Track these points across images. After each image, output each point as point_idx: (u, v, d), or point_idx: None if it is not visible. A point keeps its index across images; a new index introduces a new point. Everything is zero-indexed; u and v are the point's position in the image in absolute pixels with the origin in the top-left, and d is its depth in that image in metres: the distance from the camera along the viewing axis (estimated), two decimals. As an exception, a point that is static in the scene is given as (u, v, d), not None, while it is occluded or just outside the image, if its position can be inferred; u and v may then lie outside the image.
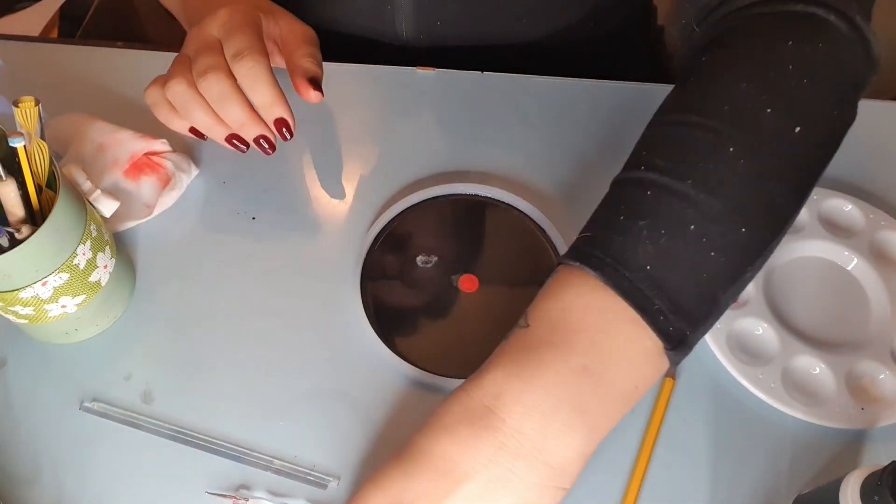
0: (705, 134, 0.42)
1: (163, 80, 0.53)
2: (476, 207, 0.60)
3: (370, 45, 0.68)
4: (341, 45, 0.65)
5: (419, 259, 0.57)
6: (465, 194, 0.60)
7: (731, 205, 0.40)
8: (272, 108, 0.51)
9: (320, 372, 0.53)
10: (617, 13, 0.72)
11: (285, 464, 0.50)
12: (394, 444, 0.51)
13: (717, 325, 0.53)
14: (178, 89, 0.51)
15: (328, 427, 0.51)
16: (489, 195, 0.60)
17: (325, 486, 0.49)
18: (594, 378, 0.39)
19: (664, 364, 0.41)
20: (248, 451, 0.50)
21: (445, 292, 0.56)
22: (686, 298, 0.40)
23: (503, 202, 0.60)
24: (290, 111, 0.52)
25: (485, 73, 0.67)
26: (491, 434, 0.39)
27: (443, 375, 0.52)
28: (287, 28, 0.58)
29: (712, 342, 0.53)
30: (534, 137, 0.64)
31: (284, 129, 0.52)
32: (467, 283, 0.56)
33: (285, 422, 0.51)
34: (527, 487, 0.39)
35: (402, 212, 0.59)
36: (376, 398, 0.52)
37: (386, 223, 0.58)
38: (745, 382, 0.52)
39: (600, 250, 0.40)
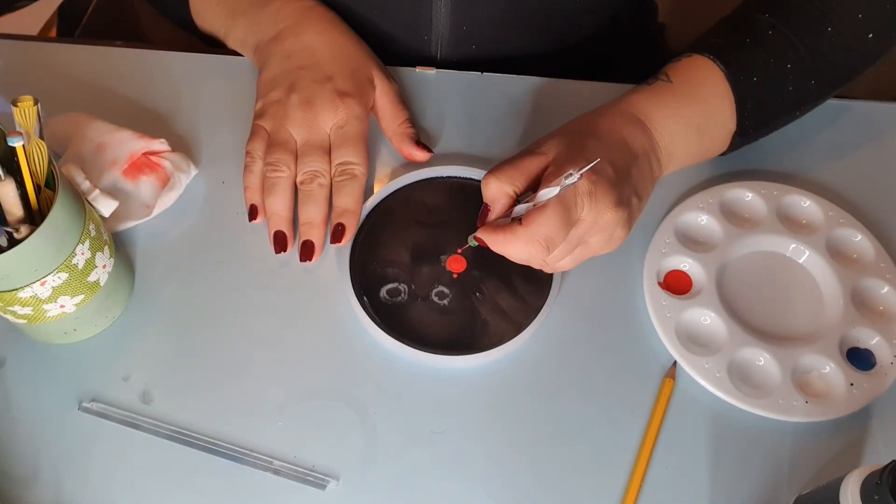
0: (818, 13, 0.57)
1: (266, 142, 0.58)
2: (466, 190, 0.60)
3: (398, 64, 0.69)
4: None
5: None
6: (458, 177, 0.61)
7: (816, 62, 0.57)
8: (345, 215, 0.57)
9: (320, 372, 0.53)
10: (622, 12, 0.73)
11: (284, 464, 0.50)
12: (394, 443, 0.51)
13: (667, 314, 0.54)
14: (278, 176, 0.57)
15: (327, 427, 0.51)
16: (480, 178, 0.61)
17: (324, 487, 0.49)
18: (701, 133, 0.57)
19: (727, 144, 0.58)
20: (248, 452, 0.50)
21: (434, 273, 0.56)
22: (763, 110, 0.57)
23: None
24: (356, 226, 0.57)
25: (484, 73, 0.67)
26: (647, 134, 0.55)
27: (439, 354, 0.53)
28: (381, 91, 0.61)
29: (663, 333, 0.54)
30: (533, 137, 0.64)
31: (340, 236, 0.57)
32: (455, 264, 0.56)
33: (284, 422, 0.51)
34: (651, 177, 0.55)
35: (391, 194, 0.60)
36: (376, 398, 0.52)
37: (373, 206, 0.59)
38: (690, 371, 0.52)
39: (729, 54, 0.56)
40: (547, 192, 0.47)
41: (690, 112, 0.56)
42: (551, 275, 0.56)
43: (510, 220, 0.50)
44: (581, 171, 0.46)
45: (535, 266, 0.51)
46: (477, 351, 0.53)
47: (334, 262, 0.58)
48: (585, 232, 0.50)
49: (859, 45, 0.58)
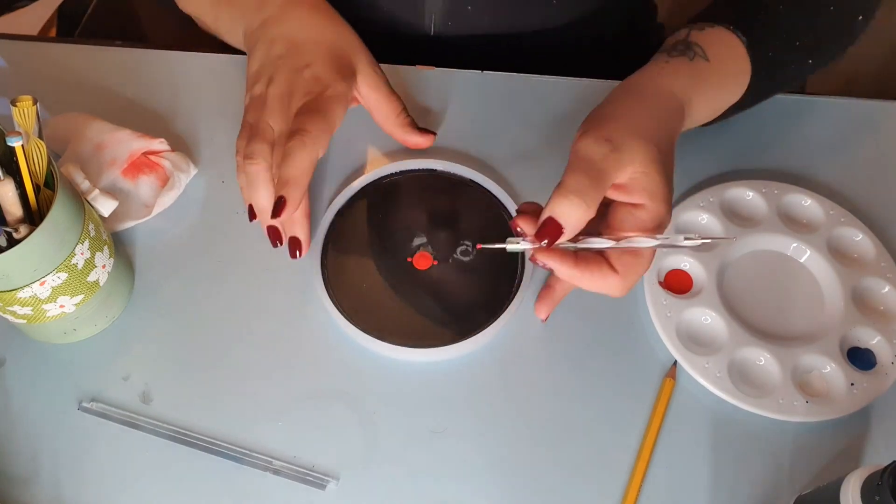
0: None
1: (248, 133, 0.55)
2: (460, 187, 0.61)
3: (392, 35, 0.67)
4: (361, 34, 0.64)
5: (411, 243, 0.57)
6: (445, 172, 0.61)
7: (817, 41, 0.57)
8: (287, 185, 0.52)
9: (319, 372, 0.53)
10: (625, 7, 0.73)
11: (284, 464, 0.50)
12: (393, 443, 0.51)
13: (668, 314, 0.54)
14: (256, 169, 0.53)
15: (327, 427, 0.51)
16: (464, 175, 0.61)
17: (324, 487, 0.49)
18: (715, 111, 0.56)
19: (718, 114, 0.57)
20: (247, 452, 0.50)
21: (403, 271, 0.57)
22: (766, 87, 0.57)
23: (481, 185, 0.61)
24: (299, 199, 0.52)
25: (485, 72, 0.67)
26: (682, 122, 0.52)
27: (425, 347, 0.53)
28: (371, 85, 0.59)
29: (663, 333, 0.54)
30: (533, 137, 0.64)
31: (280, 209, 0.52)
32: (423, 261, 0.57)
33: (284, 422, 0.51)
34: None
35: (362, 189, 0.60)
36: (375, 398, 0.52)
37: (344, 201, 0.60)
38: (690, 371, 0.52)
39: (750, 27, 0.55)
40: (646, 241, 0.44)
41: (720, 95, 0.56)
42: (522, 267, 0.56)
43: (575, 247, 0.46)
44: (705, 241, 0.44)
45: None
46: (462, 337, 0.53)
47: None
48: None
49: (850, 26, 0.58)
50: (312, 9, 0.60)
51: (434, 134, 0.61)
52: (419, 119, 0.65)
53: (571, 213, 0.44)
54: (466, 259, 0.57)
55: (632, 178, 0.46)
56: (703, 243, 0.43)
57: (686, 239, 0.43)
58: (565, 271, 0.45)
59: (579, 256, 0.46)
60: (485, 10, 0.67)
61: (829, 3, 0.57)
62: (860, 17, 0.58)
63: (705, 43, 0.54)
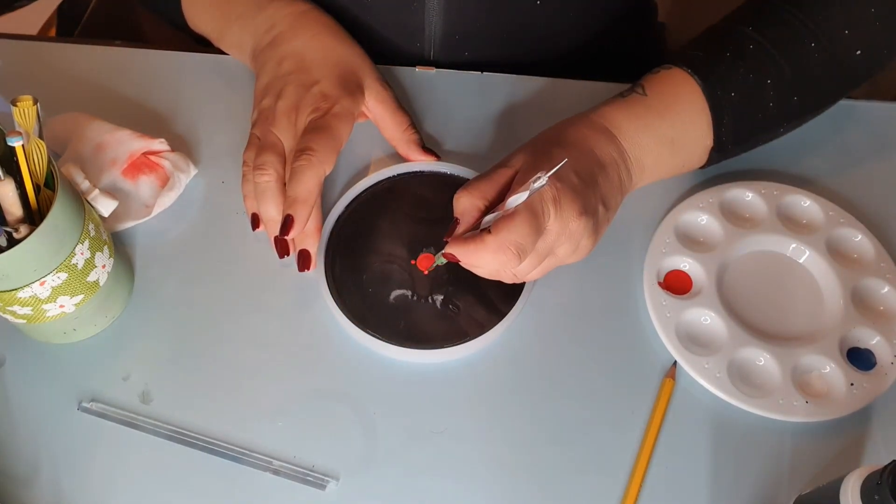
0: (801, 28, 0.56)
1: (257, 145, 0.57)
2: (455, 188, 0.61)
3: (389, 61, 0.69)
4: None
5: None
6: (447, 173, 0.61)
7: (798, 78, 0.56)
8: (295, 205, 0.53)
9: (319, 372, 0.53)
10: (619, 22, 0.73)
11: (284, 464, 0.50)
12: (393, 443, 0.51)
13: (667, 314, 0.54)
14: (266, 180, 0.55)
15: (327, 427, 0.51)
16: (464, 175, 0.61)
17: (323, 487, 0.49)
18: (675, 147, 0.56)
19: (704, 160, 0.58)
20: (247, 452, 0.50)
21: (407, 272, 0.56)
22: (742, 126, 0.56)
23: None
24: (307, 218, 0.54)
25: (484, 73, 0.67)
26: (616, 144, 0.55)
27: (428, 349, 0.53)
28: (378, 99, 0.61)
29: (663, 333, 0.54)
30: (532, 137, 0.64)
31: (289, 227, 0.53)
32: (426, 263, 0.56)
33: (284, 422, 0.51)
34: (619, 188, 0.55)
35: (361, 194, 0.60)
36: (375, 398, 0.52)
37: (344, 206, 0.59)
38: (690, 371, 0.52)
39: (707, 68, 0.56)
40: (515, 199, 0.46)
41: (663, 126, 0.55)
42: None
43: (479, 231, 0.49)
44: (549, 174, 0.45)
45: (505, 279, 0.51)
46: (465, 340, 0.53)
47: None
48: (553, 242, 0.50)
49: (846, 62, 0.57)
50: (321, 27, 0.61)
51: (438, 157, 0.61)
52: (420, 119, 0.65)
53: (458, 203, 0.51)
54: None
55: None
56: (549, 176, 0.45)
57: (535, 181, 0.45)
58: (458, 251, 0.49)
59: (468, 237, 0.49)
60: (481, 54, 0.68)
61: (809, 38, 0.55)
62: (858, 52, 0.56)
63: (650, 83, 0.57)
